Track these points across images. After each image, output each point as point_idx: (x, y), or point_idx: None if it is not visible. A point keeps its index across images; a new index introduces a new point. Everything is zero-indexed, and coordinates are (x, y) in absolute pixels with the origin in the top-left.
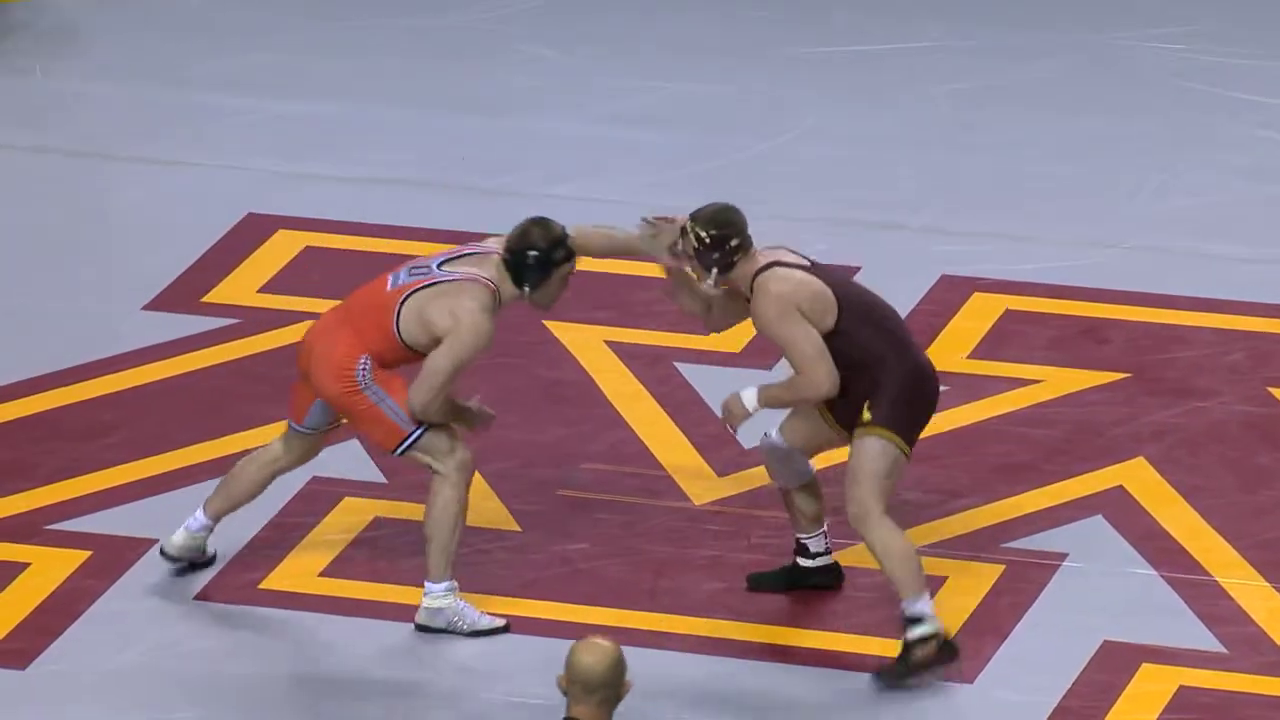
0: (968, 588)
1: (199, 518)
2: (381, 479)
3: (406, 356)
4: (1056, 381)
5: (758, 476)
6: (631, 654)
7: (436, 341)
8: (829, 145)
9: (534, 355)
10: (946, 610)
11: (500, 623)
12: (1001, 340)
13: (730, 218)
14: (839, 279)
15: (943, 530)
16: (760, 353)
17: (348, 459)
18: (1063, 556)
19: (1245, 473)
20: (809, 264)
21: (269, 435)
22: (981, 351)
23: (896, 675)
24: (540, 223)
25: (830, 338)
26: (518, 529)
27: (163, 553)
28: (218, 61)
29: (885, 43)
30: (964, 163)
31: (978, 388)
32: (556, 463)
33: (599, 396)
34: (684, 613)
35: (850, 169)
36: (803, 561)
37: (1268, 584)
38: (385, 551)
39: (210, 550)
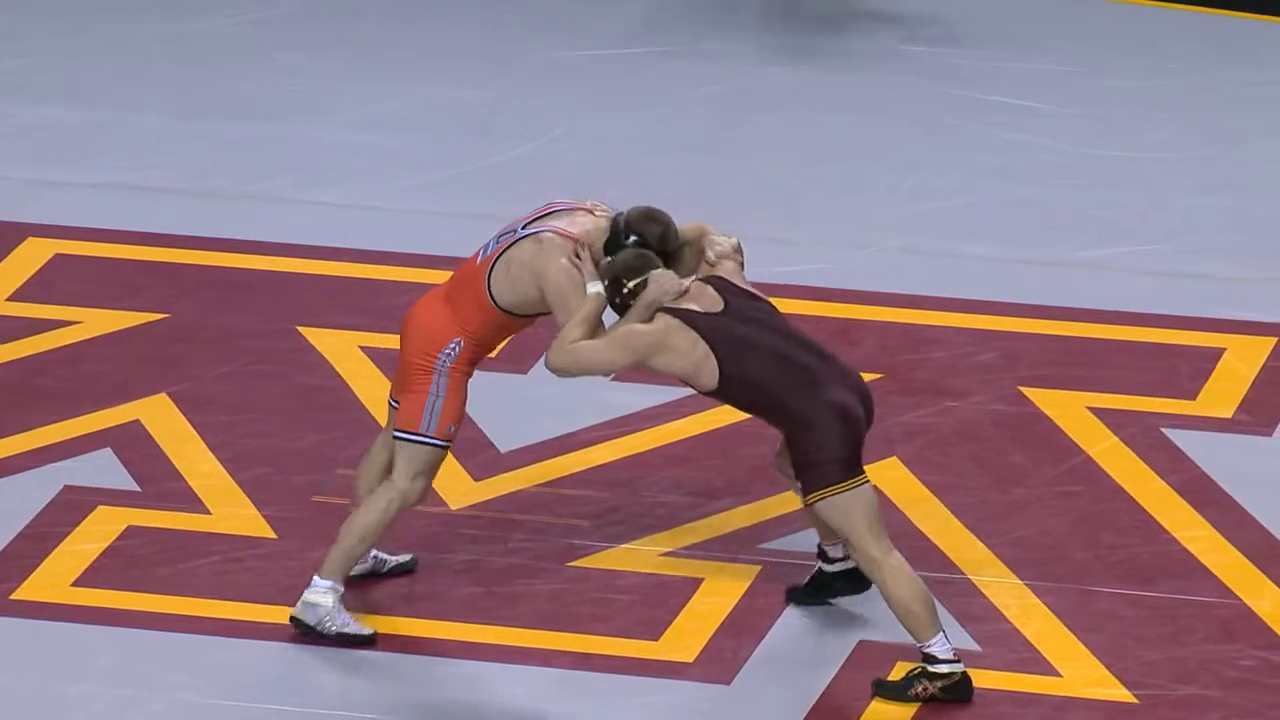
0: (724, 589)
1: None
2: (135, 487)
3: (508, 323)
4: None
5: (514, 481)
6: (388, 660)
7: (530, 299)
8: (586, 149)
9: (290, 362)
10: (703, 612)
11: (367, 632)
12: None
13: (640, 263)
14: (740, 329)
15: (700, 531)
16: (517, 359)
17: (101, 468)
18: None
19: (997, 471)
20: (722, 308)
21: (19, 445)
22: None
23: (896, 692)
24: (659, 221)
25: (724, 387)
26: (273, 535)
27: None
28: None
29: (641, 46)
30: (718, 166)
31: None
32: (311, 469)
33: (354, 402)
34: (440, 617)
35: (607, 172)
36: (825, 567)
37: (1020, 581)
38: (138, 560)
39: (383, 557)
